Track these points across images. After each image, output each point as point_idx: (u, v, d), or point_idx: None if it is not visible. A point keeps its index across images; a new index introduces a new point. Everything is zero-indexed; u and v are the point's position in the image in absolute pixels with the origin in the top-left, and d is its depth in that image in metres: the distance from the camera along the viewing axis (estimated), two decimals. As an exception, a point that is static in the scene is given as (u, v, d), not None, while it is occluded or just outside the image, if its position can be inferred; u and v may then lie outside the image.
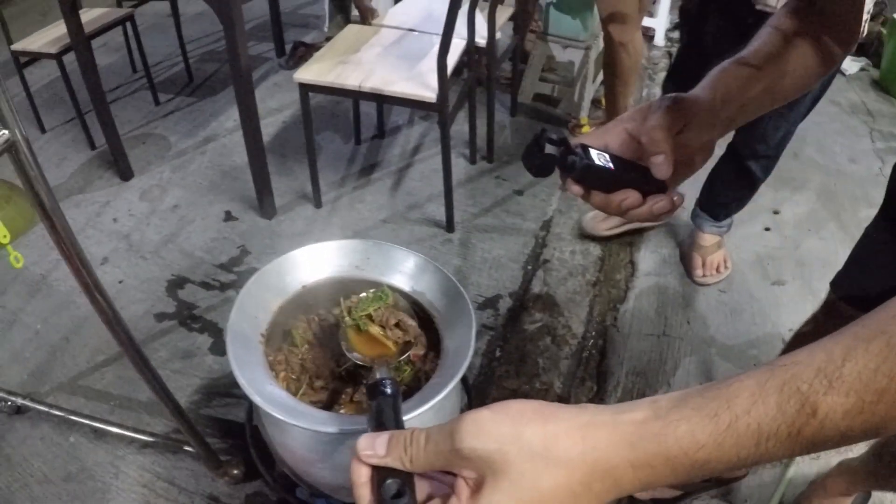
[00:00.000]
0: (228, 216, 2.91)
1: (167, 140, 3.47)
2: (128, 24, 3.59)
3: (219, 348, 2.30)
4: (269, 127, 3.50)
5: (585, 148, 0.82)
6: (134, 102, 3.83)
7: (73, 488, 1.89)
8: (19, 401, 2.04)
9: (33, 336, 2.35)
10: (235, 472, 1.87)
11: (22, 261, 1.33)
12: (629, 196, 0.83)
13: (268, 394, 0.99)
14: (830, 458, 1.87)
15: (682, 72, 2.42)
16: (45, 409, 2.02)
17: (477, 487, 0.55)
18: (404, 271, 1.27)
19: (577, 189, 0.84)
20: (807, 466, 1.93)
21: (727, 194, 2.51)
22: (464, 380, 1.12)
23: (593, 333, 2.38)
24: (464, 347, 1.10)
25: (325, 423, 0.97)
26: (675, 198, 0.84)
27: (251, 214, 2.91)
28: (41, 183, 1.14)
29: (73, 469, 1.94)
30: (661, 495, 1.86)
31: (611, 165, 0.83)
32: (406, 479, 0.59)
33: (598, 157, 0.82)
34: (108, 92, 3.10)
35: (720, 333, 2.36)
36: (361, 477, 0.60)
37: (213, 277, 2.58)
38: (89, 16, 3.29)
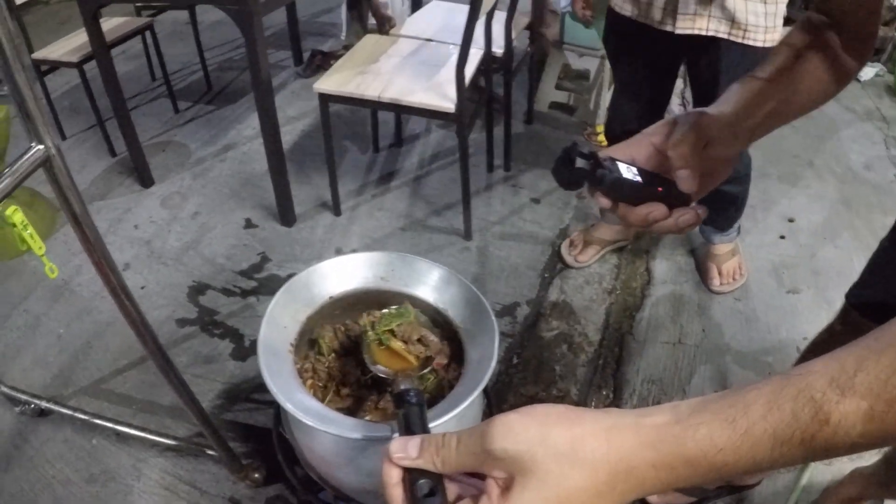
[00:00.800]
0: (249, 223, 2.94)
1: (187, 148, 3.51)
2: (147, 33, 3.64)
3: (240, 354, 2.32)
4: (287, 135, 3.53)
5: (614, 161, 0.85)
6: (153, 110, 3.88)
7: (95, 490, 1.92)
8: (43, 404, 2.07)
9: (56, 340, 2.39)
10: (257, 475, 1.90)
11: (57, 272, 1.37)
12: (655, 209, 0.85)
13: (298, 402, 1.02)
14: (843, 466, 1.88)
15: (620, 114, 2.47)
16: (69, 411, 2.05)
17: (506, 487, 0.58)
18: (429, 283, 1.29)
19: (605, 201, 0.86)
20: (820, 474, 1.94)
21: (718, 213, 2.55)
22: (484, 388, 1.14)
23: (609, 341, 2.40)
24: (486, 358, 1.12)
25: (353, 429, 1.00)
26: (699, 211, 0.86)
27: (271, 222, 2.94)
28: (73, 192, 1.18)
29: (96, 471, 1.97)
30: (674, 501, 1.87)
31: (639, 179, 0.85)
32: (437, 479, 0.62)
33: (627, 171, 0.85)
34: (127, 100, 3.13)
35: (735, 341, 2.38)
36: (393, 478, 0.63)
37: (233, 284, 2.61)
38: (109, 24, 3.33)
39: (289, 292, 1.22)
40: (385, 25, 3.23)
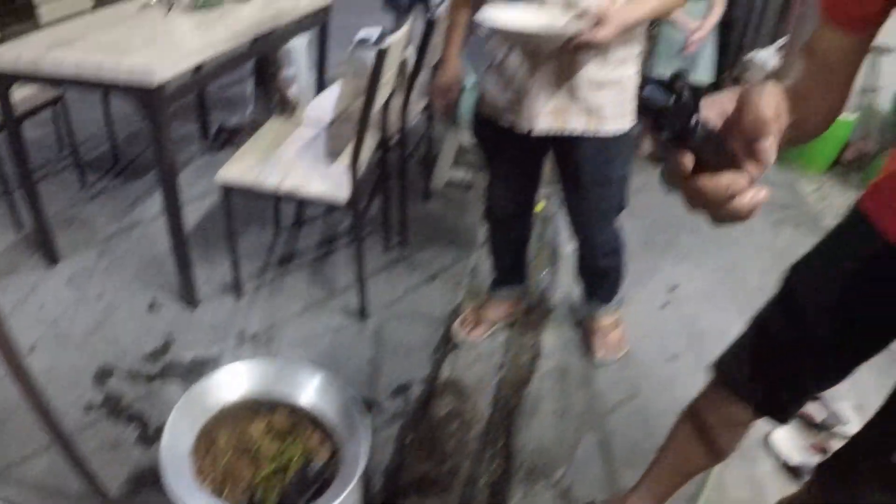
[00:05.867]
0: (153, 305, 2.98)
1: (94, 223, 3.54)
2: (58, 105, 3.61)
3: (146, 439, 2.33)
4: (193, 213, 3.59)
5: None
6: (61, 182, 3.90)
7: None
8: (-51, 491, 2.06)
9: (-40, 426, 2.38)
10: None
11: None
12: (738, 179, 0.66)
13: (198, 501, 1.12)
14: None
15: (496, 198, 2.59)
16: (-24, 498, 2.05)
17: None
18: (310, 387, 1.41)
19: (687, 163, 0.66)
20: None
21: (598, 284, 2.71)
22: (366, 477, 1.25)
23: (499, 415, 2.51)
24: (362, 455, 1.24)
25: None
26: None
27: (175, 303, 2.99)
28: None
29: (2, 561, 1.97)
30: None
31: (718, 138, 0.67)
32: None
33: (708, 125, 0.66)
34: (34, 171, 3.11)
35: (618, 410, 2.52)
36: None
37: (138, 368, 2.64)
38: (20, 94, 3.25)
39: (187, 402, 1.32)
40: (286, 110, 3.32)
